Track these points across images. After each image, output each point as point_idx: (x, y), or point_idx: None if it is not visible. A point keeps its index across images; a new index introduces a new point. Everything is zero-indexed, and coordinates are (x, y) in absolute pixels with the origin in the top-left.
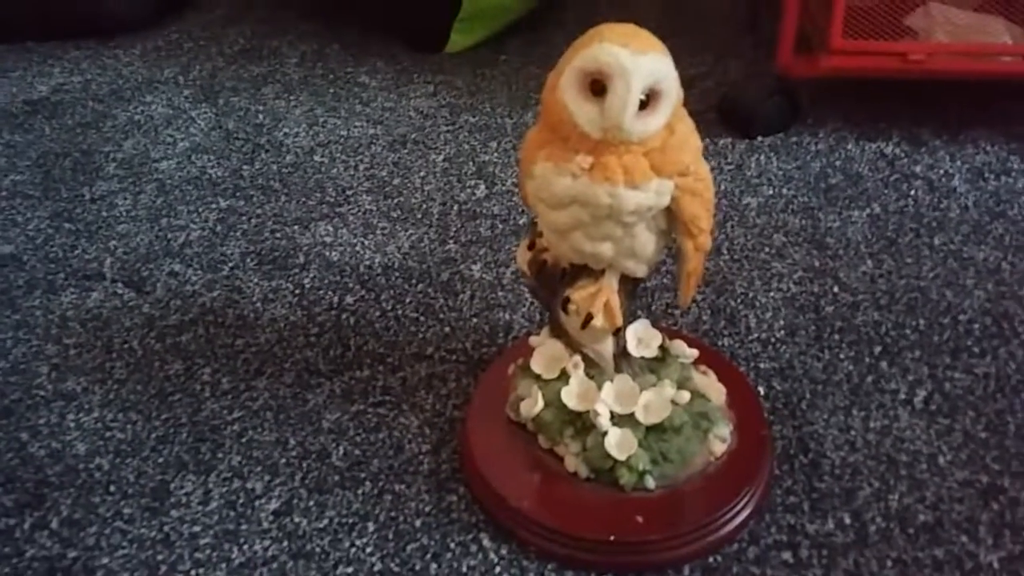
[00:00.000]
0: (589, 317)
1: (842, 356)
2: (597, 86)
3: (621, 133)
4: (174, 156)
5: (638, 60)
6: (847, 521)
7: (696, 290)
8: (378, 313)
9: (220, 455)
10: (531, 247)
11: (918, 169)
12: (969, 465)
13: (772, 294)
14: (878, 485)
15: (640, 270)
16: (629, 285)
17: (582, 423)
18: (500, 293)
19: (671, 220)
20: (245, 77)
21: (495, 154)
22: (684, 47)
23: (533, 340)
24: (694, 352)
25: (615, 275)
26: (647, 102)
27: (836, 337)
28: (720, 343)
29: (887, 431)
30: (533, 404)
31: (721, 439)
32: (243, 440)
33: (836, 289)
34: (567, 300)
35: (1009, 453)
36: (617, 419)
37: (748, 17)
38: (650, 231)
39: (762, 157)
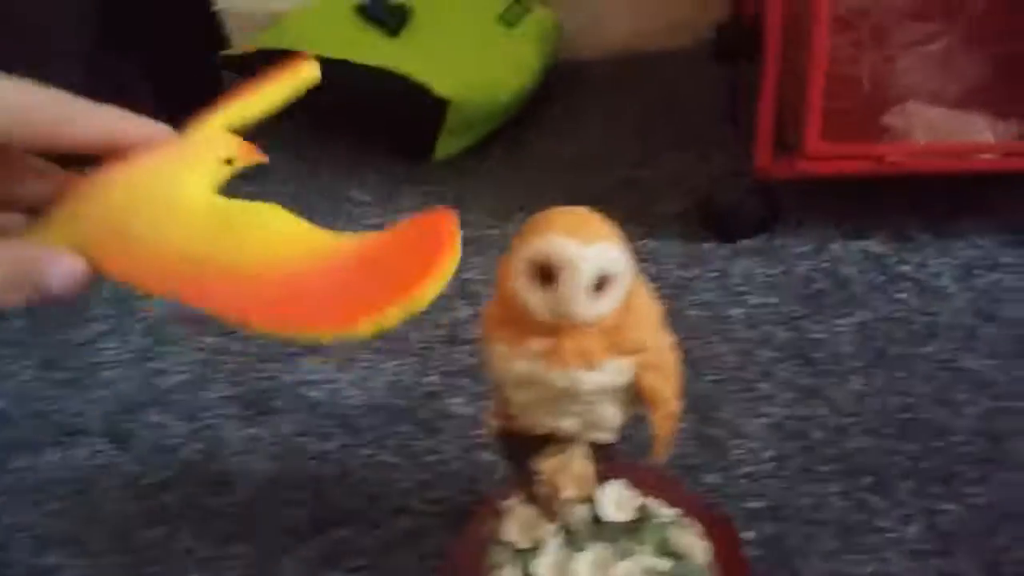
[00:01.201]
0: (558, 488)
1: (832, 490)
2: (547, 273)
3: (573, 319)
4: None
5: (585, 251)
6: None
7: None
8: (358, 462)
9: None
10: (498, 414)
11: (906, 269)
12: None
13: (759, 420)
14: None
15: (608, 437)
16: (601, 449)
17: None
18: (483, 430)
19: (635, 392)
20: (234, 196)
21: (478, 271)
22: (667, 143)
23: (506, 504)
24: (673, 512)
25: (584, 443)
26: (600, 285)
27: (826, 469)
28: (706, 480)
29: None
30: None
31: None
32: None
33: (825, 411)
34: (535, 471)
35: None
36: None
37: (729, 110)
38: (614, 404)
39: (746, 262)
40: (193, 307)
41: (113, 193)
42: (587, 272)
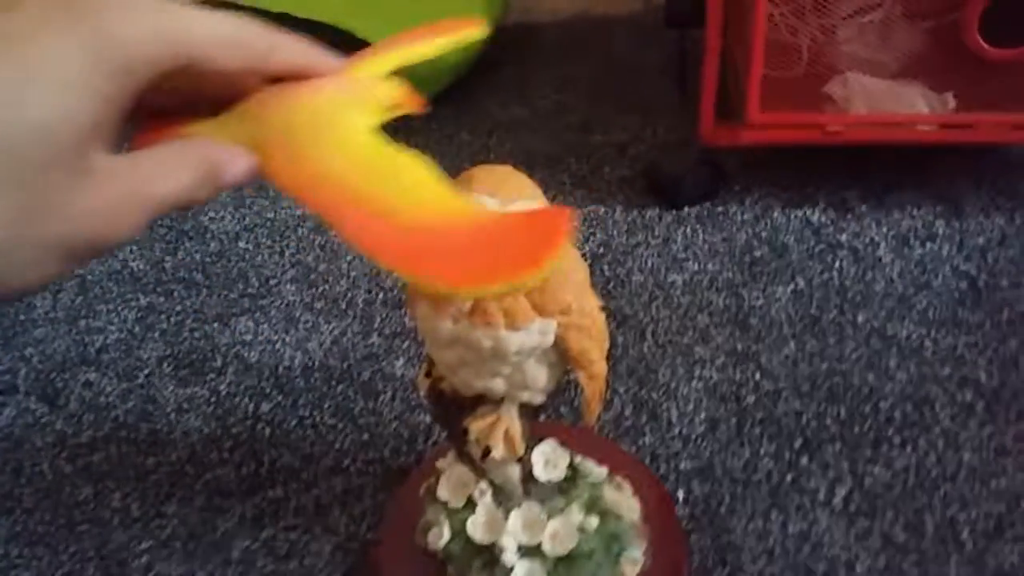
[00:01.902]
0: (488, 448)
1: (762, 452)
2: None
3: None
4: None
5: (507, 209)
6: None
7: (604, 406)
8: (294, 422)
9: None
10: (428, 375)
11: (844, 238)
12: (886, 573)
13: (694, 383)
14: None
15: (537, 398)
16: (531, 409)
17: (490, 555)
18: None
19: (562, 352)
20: None
21: None
22: (616, 109)
23: (440, 463)
24: (603, 470)
25: (513, 403)
26: None
27: (757, 431)
28: (641, 441)
29: (805, 536)
30: (440, 535)
31: (633, 562)
32: (150, 575)
33: (758, 376)
34: (466, 431)
35: (927, 557)
36: (524, 550)
37: (678, 77)
38: (540, 364)
39: (688, 229)
40: (333, 230)
41: (290, 109)
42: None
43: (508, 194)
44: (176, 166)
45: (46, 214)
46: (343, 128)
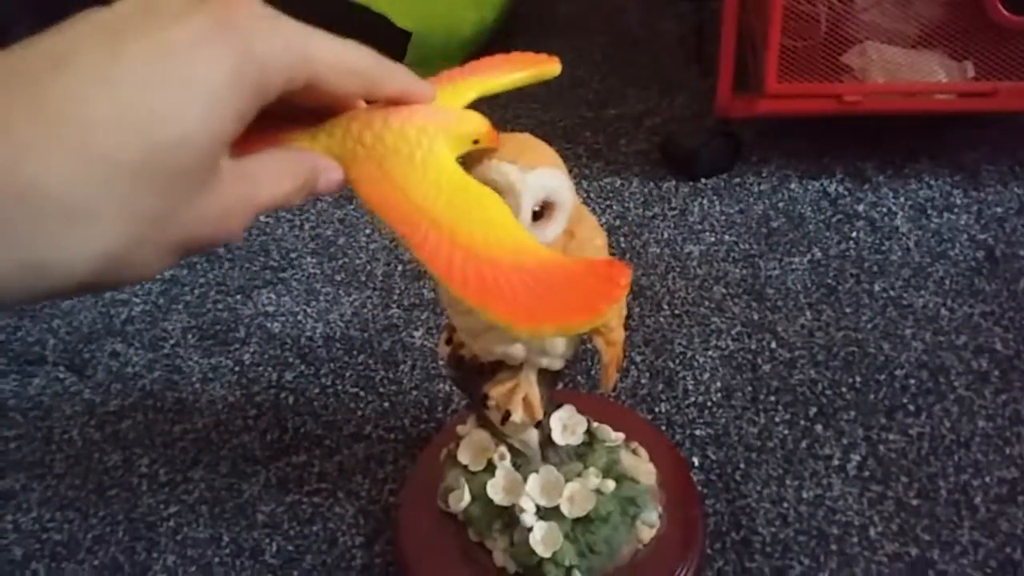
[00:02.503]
0: (508, 413)
1: (777, 419)
2: None
3: None
4: None
5: (527, 176)
6: None
7: (621, 374)
8: (317, 390)
9: (155, 555)
10: (449, 341)
11: (861, 208)
12: (899, 536)
13: (710, 352)
14: (808, 563)
15: (556, 364)
16: (549, 375)
17: (509, 517)
18: (440, 362)
19: None
20: None
21: None
22: (631, 81)
23: (460, 429)
24: (620, 435)
25: (532, 369)
26: (541, 212)
27: (772, 399)
28: (657, 409)
29: (820, 501)
30: (460, 497)
31: (649, 525)
32: (178, 538)
33: (774, 345)
34: (486, 396)
35: (939, 522)
36: (543, 512)
37: (695, 49)
38: None
39: (705, 201)
40: (408, 250)
41: (382, 131)
42: (528, 198)
43: (529, 161)
44: (281, 175)
45: (171, 219)
46: (430, 156)
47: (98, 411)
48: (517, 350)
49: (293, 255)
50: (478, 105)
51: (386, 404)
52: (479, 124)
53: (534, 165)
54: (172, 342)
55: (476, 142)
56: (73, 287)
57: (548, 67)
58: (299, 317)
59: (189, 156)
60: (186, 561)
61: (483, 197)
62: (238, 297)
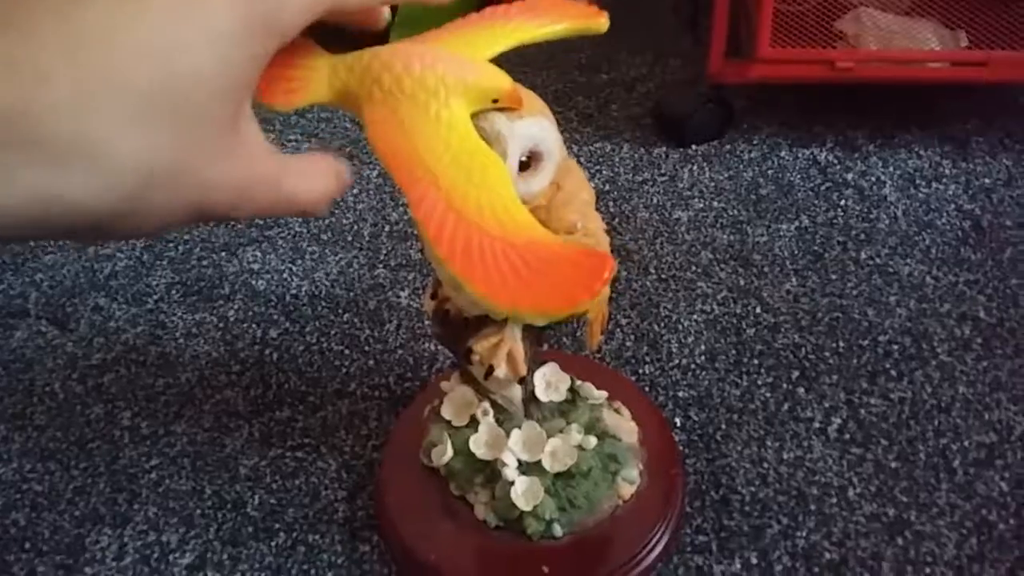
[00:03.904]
0: (492, 368)
1: (760, 382)
2: None
3: None
4: None
5: (514, 125)
6: (754, 561)
7: (604, 332)
8: (302, 347)
9: (136, 506)
10: (434, 296)
11: (850, 177)
12: (878, 498)
13: (695, 316)
14: (787, 522)
15: (539, 319)
16: (534, 332)
17: (491, 471)
18: (426, 322)
19: None
20: None
21: None
22: (624, 46)
23: (444, 385)
24: (603, 393)
25: (517, 325)
26: (528, 163)
27: (755, 362)
28: (641, 371)
29: (799, 463)
30: (443, 452)
31: (629, 481)
32: (160, 490)
33: (759, 310)
34: (470, 350)
35: (917, 484)
36: (525, 467)
37: (688, 13)
38: None
39: (695, 167)
40: (405, 200)
41: (402, 74)
42: (515, 146)
43: (516, 111)
44: (317, 178)
45: (188, 169)
46: (444, 110)
47: (80, 364)
48: None
49: None
50: None
51: (371, 362)
52: (501, 82)
53: (522, 114)
54: (156, 297)
55: (496, 101)
56: (88, 225)
57: (595, 20)
58: (284, 275)
59: (204, 94)
60: (167, 512)
61: (488, 163)
62: (223, 254)
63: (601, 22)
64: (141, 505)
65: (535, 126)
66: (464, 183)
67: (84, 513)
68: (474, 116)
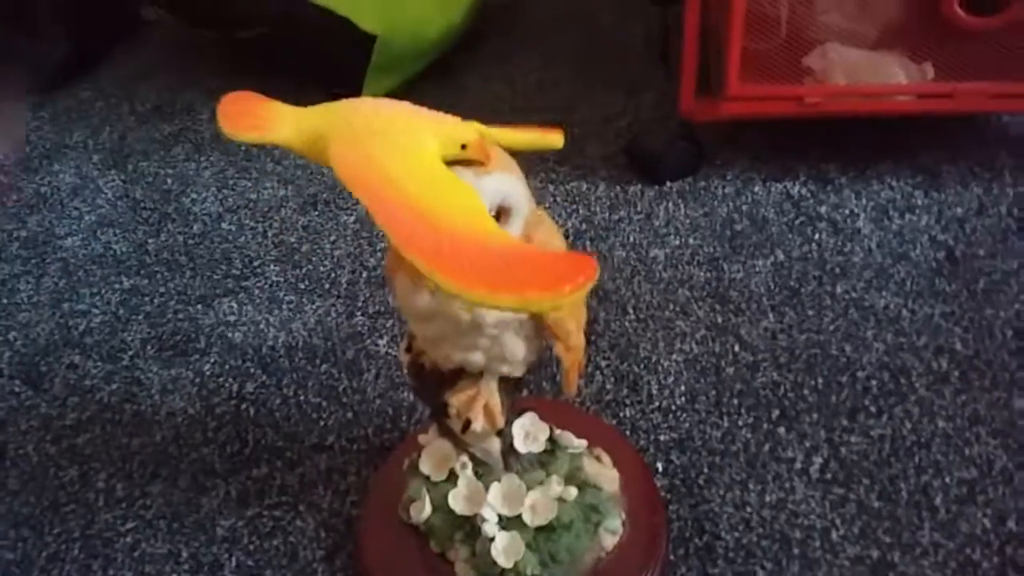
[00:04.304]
0: (469, 421)
1: (740, 423)
2: None
3: None
4: (79, 231)
5: (482, 181)
6: None
7: (582, 377)
8: (279, 401)
9: (112, 572)
10: (408, 349)
11: (823, 210)
12: (861, 539)
13: (675, 356)
14: (771, 567)
15: (516, 371)
16: (510, 383)
17: (471, 527)
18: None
19: (539, 324)
20: (156, 138)
21: None
22: (598, 83)
23: (422, 438)
24: (582, 442)
25: (493, 377)
26: (497, 217)
27: (735, 402)
28: (622, 414)
29: (782, 505)
30: (421, 508)
31: (612, 532)
32: (135, 554)
33: (737, 348)
34: (446, 404)
35: (900, 524)
36: (505, 522)
37: (661, 49)
38: (518, 337)
39: (670, 204)
40: (378, 224)
41: (371, 115)
42: (484, 202)
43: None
44: None
45: None
46: (414, 144)
47: (54, 425)
48: (477, 357)
49: (256, 263)
50: None
51: (349, 414)
52: (468, 131)
53: (489, 170)
54: (131, 353)
55: (464, 147)
56: None
57: (551, 138)
58: (261, 326)
59: None
60: None
61: (460, 189)
62: (199, 307)
63: (555, 139)
64: (116, 571)
65: (503, 182)
66: (435, 204)
67: None
68: None
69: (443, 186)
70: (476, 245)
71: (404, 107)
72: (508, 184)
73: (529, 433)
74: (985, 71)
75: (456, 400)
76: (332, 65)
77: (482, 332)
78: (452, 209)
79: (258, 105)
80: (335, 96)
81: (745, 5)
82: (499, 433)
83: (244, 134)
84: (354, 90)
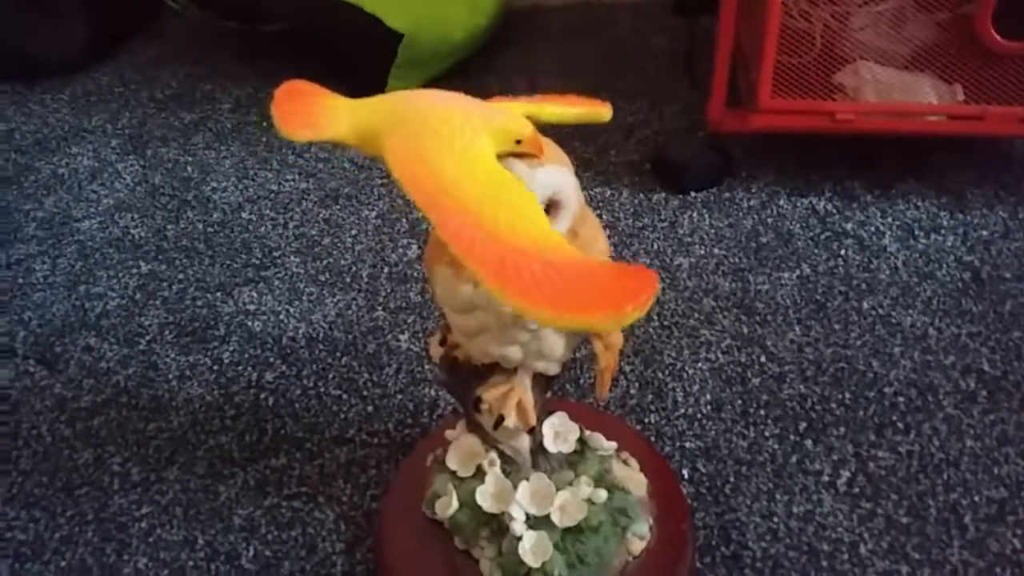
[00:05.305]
0: (501, 417)
1: (767, 434)
2: None
3: None
4: (97, 215)
5: (535, 172)
6: None
7: (613, 382)
8: (299, 391)
9: (126, 557)
10: (442, 343)
11: (849, 226)
12: (890, 554)
13: (700, 364)
14: None
15: (552, 368)
16: (543, 381)
17: (497, 525)
18: (427, 366)
19: None
20: (175, 125)
21: None
22: (622, 93)
23: (449, 433)
24: (612, 444)
25: (527, 373)
26: (547, 210)
27: (762, 412)
28: (647, 420)
29: (810, 517)
30: (448, 504)
31: (640, 536)
32: (150, 540)
33: (763, 359)
34: (479, 399)
35: (929, 541)
36: (533, 521)
37: (686, 60)
38: (558, 333)
39: (695, 214)
40: (432, 226)
41: (427, 112)
42: (536, 194)
43: (536, 159)
44: None
45: None
46: (470, 147)
47: (69, 406)
48: (515, 352)
49: (276, 254)
50: None
51: (370, 408)
52: (523, 125)
53: (542, 162)
54: (148, 338)
55: (519, 142)
56: None
57: (599, 110)
58: (281, 316)
59: None
60: (158, 564)
61: (517, 191)
62: (218, 294)
63: (604, 112)
64: (131, 555)
65: (555, 174)
66: (493, 208)
67: (71, 564)
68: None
69: (500, 191)
70: (539, 259)
71: (459, 101)
72: (560, 177)
73: (559, 433)
74: (1016, 95)
75: (489, 395)
76: (355, 62)
77: (524, 326)
78: (512, 217)
79: (312, 100)
80: (357, 94)
81: (780, 19)
82: (530, 431)
83: (299, 133)
84: (377, 88)
